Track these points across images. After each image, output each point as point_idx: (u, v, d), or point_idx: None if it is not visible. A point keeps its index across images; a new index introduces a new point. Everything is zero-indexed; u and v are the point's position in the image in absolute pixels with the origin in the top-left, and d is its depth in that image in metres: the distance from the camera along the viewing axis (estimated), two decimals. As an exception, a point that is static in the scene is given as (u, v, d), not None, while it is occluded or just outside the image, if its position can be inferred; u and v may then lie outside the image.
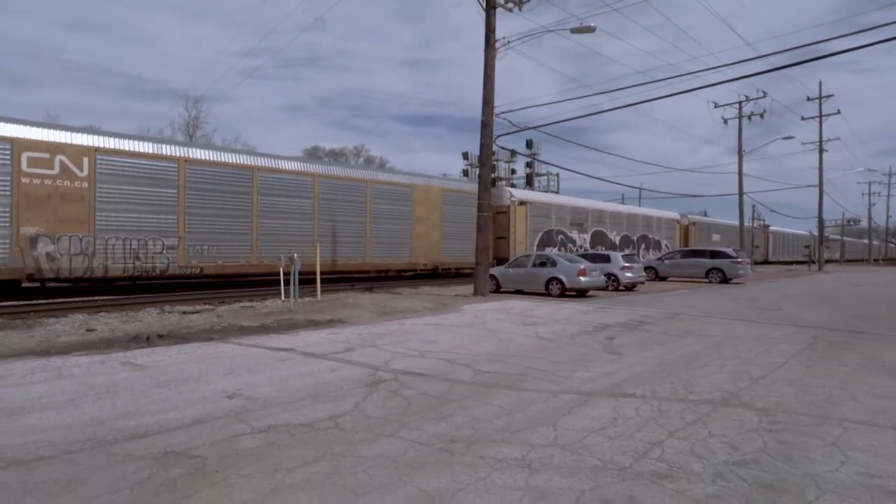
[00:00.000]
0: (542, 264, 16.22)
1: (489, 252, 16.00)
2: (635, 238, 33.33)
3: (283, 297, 13.86)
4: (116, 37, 72.18)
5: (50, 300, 12.99)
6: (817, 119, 43.35)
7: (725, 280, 23.36)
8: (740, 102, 32.91)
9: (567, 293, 15.49)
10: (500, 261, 22.51)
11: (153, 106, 72.24)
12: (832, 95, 43.64)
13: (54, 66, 64.52)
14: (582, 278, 15.23)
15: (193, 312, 11.83)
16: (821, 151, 45.19)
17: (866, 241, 79.92)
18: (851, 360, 6.67)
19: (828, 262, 63.29)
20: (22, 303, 12.34)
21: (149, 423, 4.13)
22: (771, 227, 53.48)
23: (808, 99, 43.67)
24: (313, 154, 63.54)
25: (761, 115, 33.05)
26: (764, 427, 4.04)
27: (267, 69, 75.94)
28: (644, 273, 19.90)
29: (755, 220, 47.36)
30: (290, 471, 3.24)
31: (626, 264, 18.27)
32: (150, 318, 10.82)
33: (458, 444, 3.68)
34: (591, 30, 15.79)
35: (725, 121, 34.53)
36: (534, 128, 20.81)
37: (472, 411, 4.46)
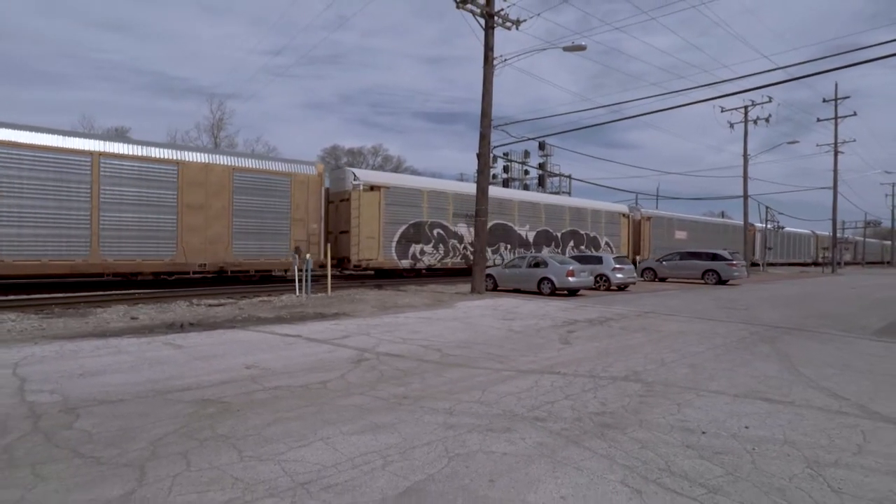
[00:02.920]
0: (536, 265, 17.56)
1: (484, 255, 17.36)
2: (559, 234, 28.14)
3: (297, 293, 15.51)
4: (145, 35, 75.43)
5: (97, 293, 14.86)
6: (836, 121, 43.66)
7: (721, 281, 24.28)
8: (746, 107, 33.53)
9: (557, 292, 16.80)
10: (341, 261, 20.03)
11: (180, 104, 75.34)
12: (848, 97, 43.71)
13: (87, 66, 67.95)
14: (570, 279, 16.53)
15: (218, 305, 13.52)
16: (836, 153, 45.30)
17: (888, 242, 78.72)
18: (762, 350, 7.92)
19: (846, 264, 62.81)
20: (76, 294, 14.21)
21: (189, 383, 5.69)
22: (786, 229, 53.46)
23: (824, 101, 43.88)
24: (332, 153, 65.69)
25: (767, 120, 33.59)
26: (638, 393, 5.41)
27: (291, 67, 78.48)
28: (635, 274, 21.02)
29: (768, 222, 47.54)
30: (287, 410, 4.74)
31: (617, 265, 19.48)
32: (181, 309, 12.51)
33: (408, 400, 5.14)
34: (582, 48, 17.02)
35: (732, 125, 35.15)
36: (542, 137, 22.08)
37: (427, 380, 5.92)
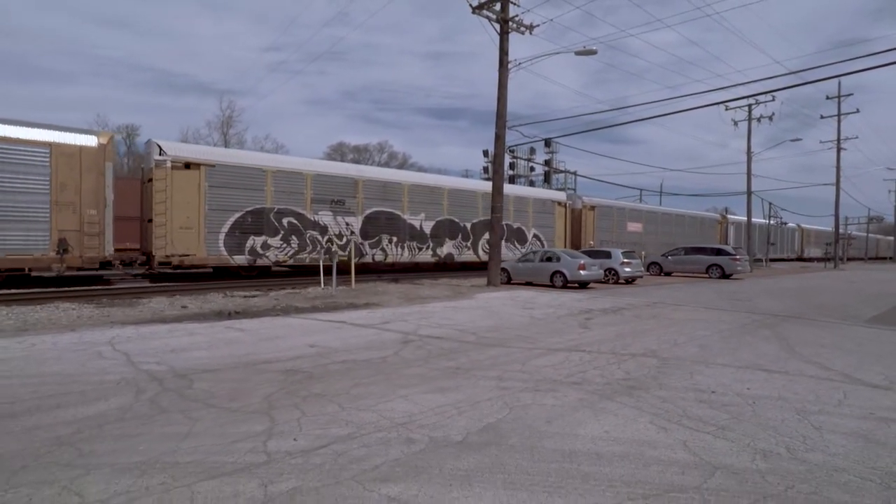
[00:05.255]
0: (548, 259, 18.45)
1: (499, 250, 18.25)
2: (468, 225, 24.11)
3: (322, 285, 16.44)
4: (145, 32, 76.38)
5: (138, 286, 15.81)
6: (839, 118, 44.34)
7: (725, 276, 25.13)
8: (749, 105, 34.25)
9: (569, 285, 17.70)
10: (149, 256, 16.44)
11: (182, 101, 76.34)
12: (851, 94, 44.34)
13: (90, 63, 68.96)
14: (582, 272, 17.42)
15: (252, 296, 14.45)
16: (839, 150, 45.92)
17: (891, 238, 79.42)
18: (763, 334, 8.81)
19: (850, 259, 63.46)
20: (121, 286, 15.17)
21: (268, 357, 6.61)
22: (788, 224, 54.07)
23: (827, 98, 44.53)
24: (338, 150, 66.70)
25: (770, 118, 34.34)
26: (655, 366, 6.31)
27: (292, 63, 79.52)
28: (642, 268, 21.90)
29: (772, 217, 48.21)
30: (361, 378, 5.66)
31: (625, 260, 20.37)
32: (219, 299, 13.44)
33: (461, 370, 6.06)
34: (593, 52, 17.86)
35: (736, 123, 35.89)
36: (553, 137, 22.83)
37: (471, 356, 6.83)
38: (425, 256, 22.51)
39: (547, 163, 51.37)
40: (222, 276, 18.36)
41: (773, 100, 33.48)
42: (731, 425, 4.19)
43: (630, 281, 20.86)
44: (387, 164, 62.02)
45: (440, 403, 4.73)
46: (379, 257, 20.78)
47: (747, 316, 11.30)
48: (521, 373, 5.94)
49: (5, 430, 3.91)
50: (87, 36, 71.84)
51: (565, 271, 17.59)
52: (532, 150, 58.33)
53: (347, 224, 19.88)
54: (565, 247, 28.66)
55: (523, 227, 27.00)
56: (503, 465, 3.41)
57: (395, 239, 21.35)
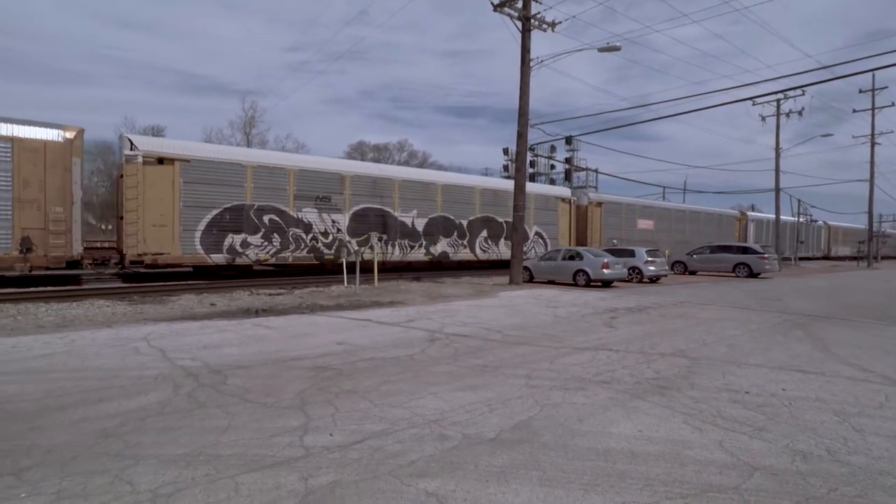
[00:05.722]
0: (571, 258, 18.32)
1: (521, 248, 18.20)
2: (464, 223, 22.92)
3: (345, 284, 16.61)
4: (164, 34, 78.04)
5: (167, 283, 16.20)
6: (873, 111, 42.94)
7: (752, 275, 24.59)
8: (778, 100, 33.43)
9: (592, 283, 17.55)
10: (122, 255, 15.79)
11: (205, 101, 77.87)
12: (886, 87, 42.87)
13: (118, 66, 70.84)
14: (605, 271, 17.25)
15: (278, 294, 14.69)
16: (872, 145, 44.46)
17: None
18: (796, 334, 8.61)
19: (884, 258, 61.26)
20: (152, 284, 15.57)
21: (297, 354, 6.72)
22: (817, 221, 52.53)
23: (860, 91, 43.16)
24: (358, 149, 67.25)
25: (799, 113, 33.46)
26: (685, 366, 6.23)
27: (313, 63, 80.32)
28: (667, 267, 21.57)
29: (801, 215, 46.96)
30: (391, 375, 5.72)
31: (650, 258, 20.11)
32: (245, 297, 13.69)
33: (488, 368, 6.08)
34: (616, 48, 17.66)
35: (763, 118, 35.07)
36: (576, 135, 22.64)
37: (498, 354, 6.84)
38: (418, 255, 21.56)
39: (568, 160, 50.90)
40: (202, 275, 17.78)
41: (803, 94, 32.63)
42: (767, 426, 4.12)
43: (654, 280, 20.58)
44: (406, 163, 62.23)
45: (471, 401, 4.75)
46: (368, 256, 19.68)
47: (778, 316, 11.06)
48: (549, 371, 5.92)
49: (55, 423, 4.07)
50: (112, 39, 73.82)
51: (588, 270, 17.43)
52: (552, 148, 57.89)
53: (334, 221, 19.17)
54: (570, 245, 27.71)
55: (524, 225, 25.78)
56: (538, 462, 3.42)
57: (384, 237, 20.64)
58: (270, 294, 14.69)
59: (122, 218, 15.96)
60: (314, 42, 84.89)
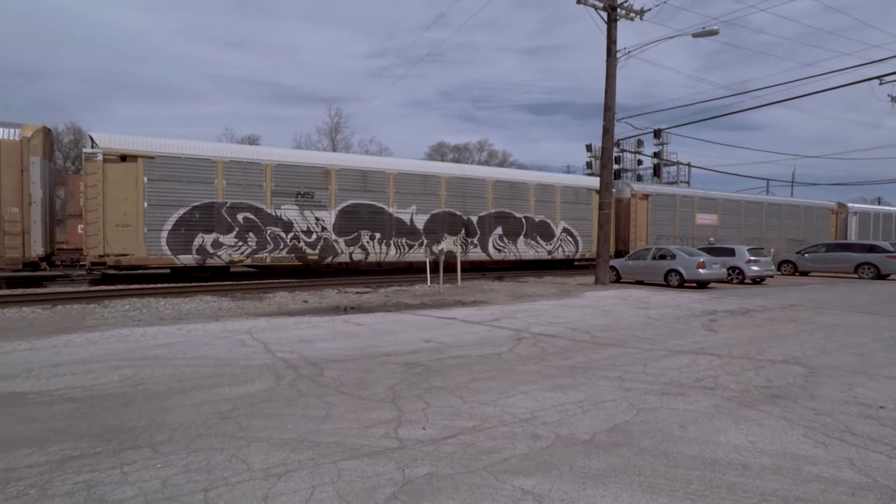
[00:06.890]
0: (662, 257, 17.34)
1: (608, 246, 17.51)
2: (474, 219, 20.88)
3: (429, 283, 16.92)
4: (263, 50, 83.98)
5: (263, 281, 17.46)
6: None
7: (880, 276, 21.83)
8: (908, 78, 29.34)
9: (686, 284, 16.48)
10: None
11: (294, 110, 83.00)
12: None
13: (218, 81, 77.47)
14: (701, 271, 16.12)
15: (364, 293, 15.28)
16: None
17: None
18: (938, 343, 7.50)
19: None
20: (252, 282, 16.85)
21: (386, 350, 6.94)
22: (878, 206, 45.01)
23: None
24: (438, 150, 68.32)
25: (936, 91, 29.15)
26: (801, 374, 5.64)
27: (393, 68, 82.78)
28: (773, 267, 19.72)
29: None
30: (479, 373, 5.73)
31: (752, 258, 18.50)
32: (334, 295, 14.36)
33: (578, 369, 5.90)
34: (714, 32, 16.47)
35: (893, 99, 30.96)
36: (666, 128, 21.47)
37: (588, 356, 6.62)
38: (418, 254, 19.71)
39: (657, 155, 48.28)
40: (178, 277, 17.01)
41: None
42: (909, 445, 3.62)
43: (758, 281, 18.91)
44: (486, 163, 62.20)
45: (561, 401, 4.64)
46: (358, 256, 18.55)
47: (913, 322, 9.71)
48: (643, 374, 5.63)
49: (180, 404, 4.51)
50: (212, 57, 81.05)
51: (682, 270, 16.39)
52: (639, 143, 55.25)
53: (318, 219, 17.74)
54: (609, 245, 23.10)
55: (548, 220, 22.95)
56: (637, 467, 3.25)
57: (378, 235, 18.83)
58: (357, 292, 15.32)
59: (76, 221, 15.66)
60: (394, 48, 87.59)
